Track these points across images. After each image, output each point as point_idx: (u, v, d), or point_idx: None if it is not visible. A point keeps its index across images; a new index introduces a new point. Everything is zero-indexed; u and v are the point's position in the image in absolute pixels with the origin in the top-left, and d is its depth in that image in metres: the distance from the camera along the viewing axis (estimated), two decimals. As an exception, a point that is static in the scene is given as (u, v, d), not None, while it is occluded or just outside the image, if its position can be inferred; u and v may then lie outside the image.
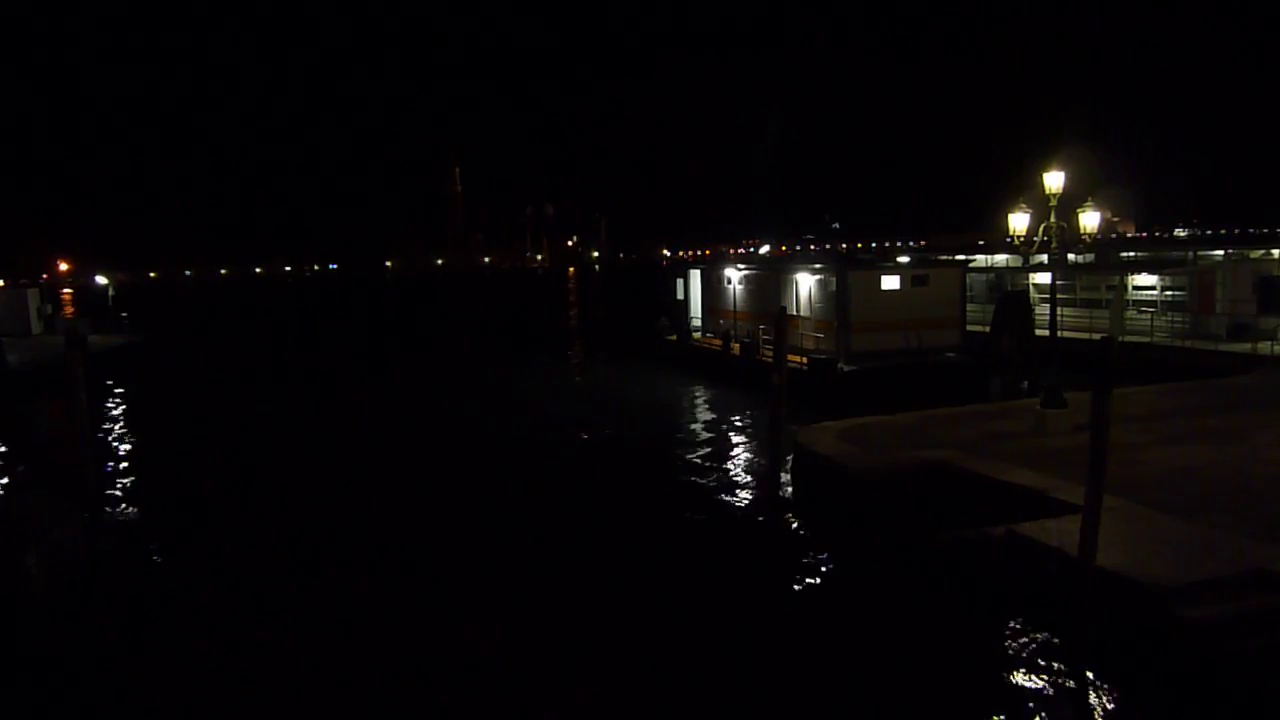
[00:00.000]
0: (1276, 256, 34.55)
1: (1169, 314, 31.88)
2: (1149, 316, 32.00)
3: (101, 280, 73.31)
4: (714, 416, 26.87)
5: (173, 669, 11.25)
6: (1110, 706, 9.43)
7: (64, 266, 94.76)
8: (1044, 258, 19.73)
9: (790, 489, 17.72)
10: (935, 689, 10.20)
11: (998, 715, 9.34)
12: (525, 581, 13.81)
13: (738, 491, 18.29)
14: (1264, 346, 26.64)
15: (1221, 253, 35.00)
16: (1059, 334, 19.97)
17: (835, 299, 28.74)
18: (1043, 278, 34.57)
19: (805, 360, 27.69)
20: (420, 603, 13.10)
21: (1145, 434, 16.89)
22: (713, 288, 38.06)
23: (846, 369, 27.10)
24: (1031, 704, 9.46)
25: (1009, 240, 19.64)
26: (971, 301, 34.23)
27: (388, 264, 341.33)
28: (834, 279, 29.00)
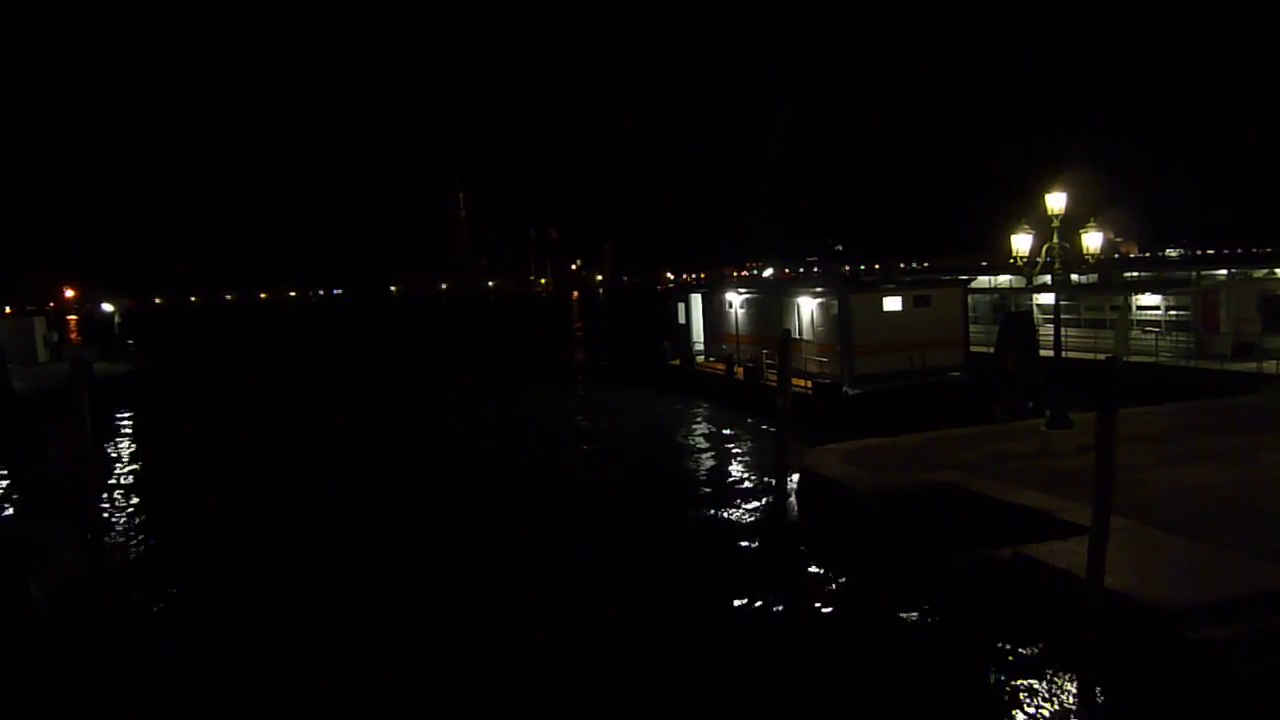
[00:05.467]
0: (1280, 275, 34.50)
1: (1173, 334, 31.82)
2: (1153, 336, 31.95)
3: (107, 307, 73.31)
4: (718, 441, 26.83)
5: (176, 696, 11.20)
6: (1120, 730, 9.34)
7: (70, 294, 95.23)
8: (1047, 278, 19.68)
9: (796, 512, 17.67)
10: (943, 712, 10.13)
11: (1007, 739, 9.27)
12: (531, 604, 13.76)
13: (744, 515, 18.24)
14: (1269, 365, 26.54)
15: (1225, 272, 34.93)
16: (1063, 354, 19.95)
17: (838, 321, 28.75)
18: (1046, 298, 34.55)
19: (809, 383, 27.66)
20: (426, 628, 13.05)
21: (1151, 454, 16.83)
22: (714, 312, 38.08)
23: (850, 391, 27.07)
24: (1041, 728, 9.38)
25: (1012, 261, 19.64)
26: (975, 323, 34.22)
27: (392, 289, 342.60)
28: (836, 301, 29.02)
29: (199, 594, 15.03)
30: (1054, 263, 18.64)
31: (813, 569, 15.00)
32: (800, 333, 30.42)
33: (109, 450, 28.55)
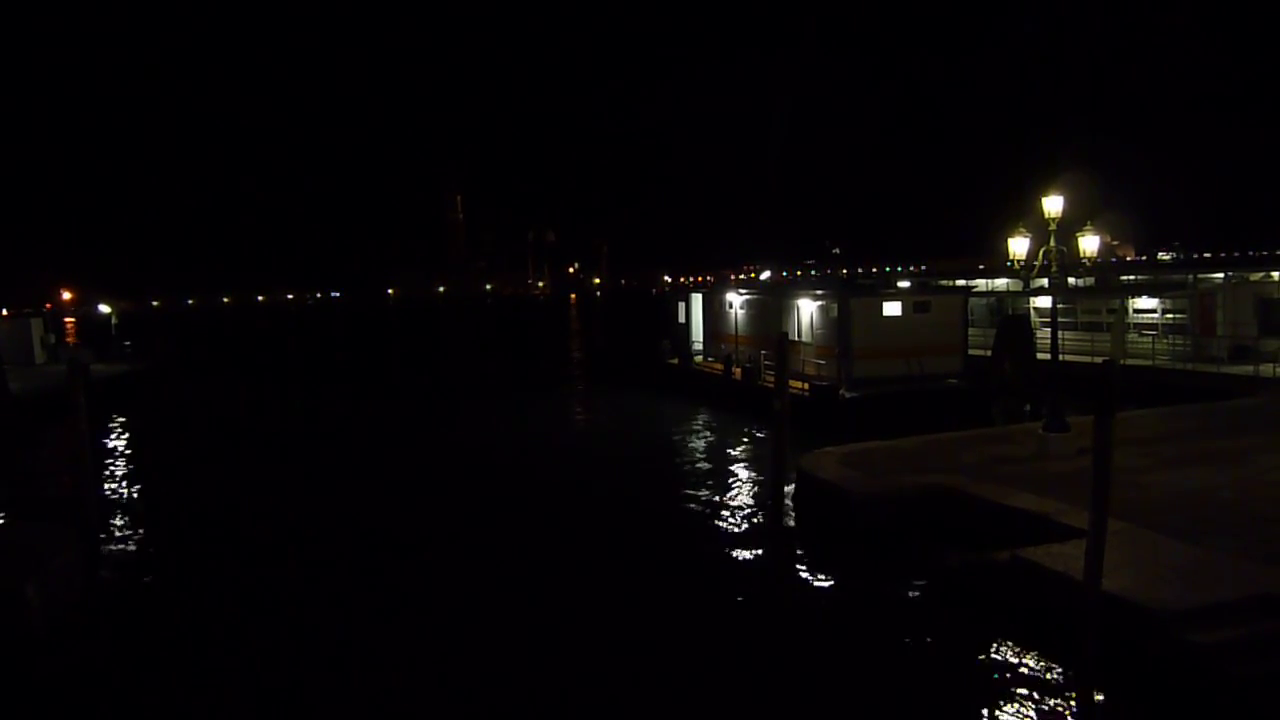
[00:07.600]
0: (1277, 279, 34.57)
1: (1170, 337, 31.88)
2: (1150, 339, 32.00)
3: (104, 309, 73.32)
4: (716, 442, 26.82)
5: (172, 698, 11.17)
6: (1118, 733, 9.34)
7: (67, 295, 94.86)
8: (1044, 282, 19.70)
9: (793, 515, 17.65)
10: (941, 714, 10.12)
11: (1004, 742, 9.26)
12: (526, 606, 13.73)
13: (741, 517, 18.23)
14: (1266, 369, 26.58)
15: (1222, 275, 35.00)
16: (1060, 358, 19.96)
17: (837, 325, 28.77)
18: (1043, 301, 34.61)
19: (807, 386, 27.67)
20: (424, 629, 13.02)
21: (1148, 457, 16.85)
22: (714, 312, 38.13)
23: (848, 395, 27.08)
24: (1038, 731, 9.37)
25: (1009, 265, 19.66)
26: (973, 325, 34.26)
27: (389, 291, 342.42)
28: (836, 305, 29.05)
29: (195, 596, 14.98)
30: (1051, 266, 18.65)
31: (809, 572, 15.00)
32: (799, 335, 30.45)
33: (105, 452, 28.49)
